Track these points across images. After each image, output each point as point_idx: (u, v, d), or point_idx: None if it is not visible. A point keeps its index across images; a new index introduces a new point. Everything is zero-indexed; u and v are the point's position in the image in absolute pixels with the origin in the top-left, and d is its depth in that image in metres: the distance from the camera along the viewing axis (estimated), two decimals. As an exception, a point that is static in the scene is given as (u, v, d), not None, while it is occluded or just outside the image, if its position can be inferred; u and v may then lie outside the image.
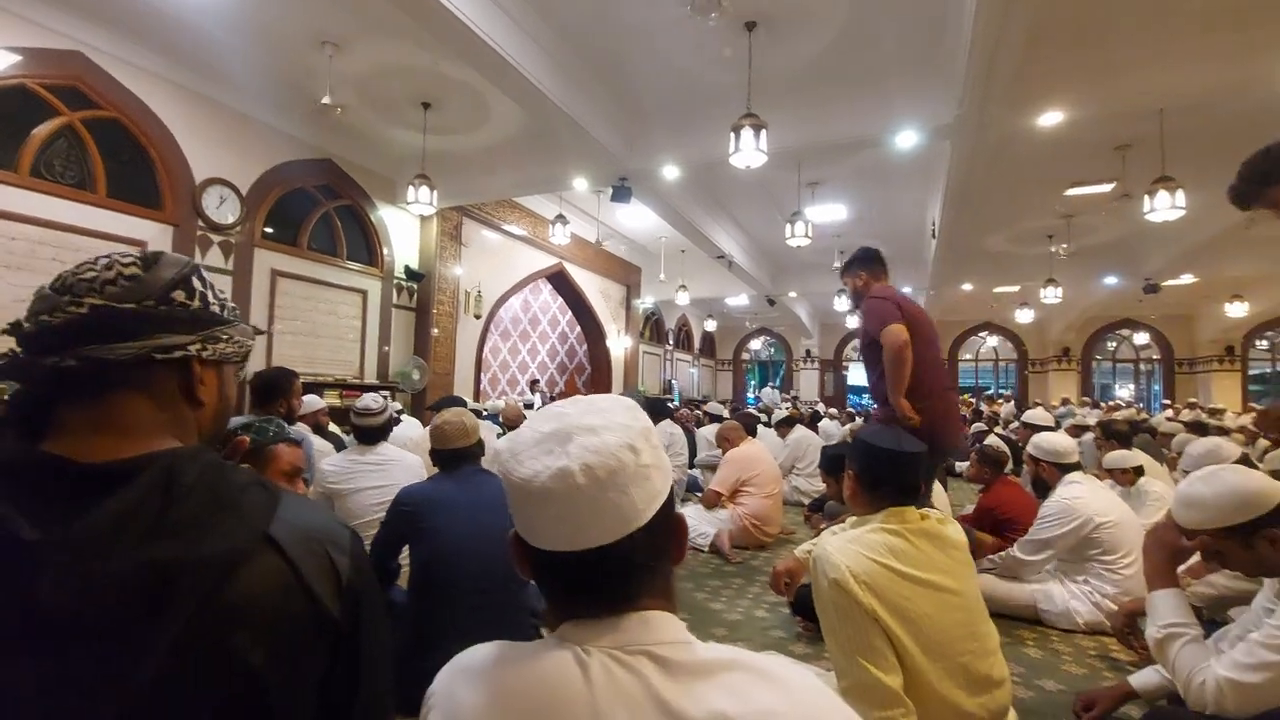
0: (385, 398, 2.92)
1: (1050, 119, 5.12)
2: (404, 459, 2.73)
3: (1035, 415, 4.91)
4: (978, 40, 3.80)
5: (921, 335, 2.73)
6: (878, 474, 1.61)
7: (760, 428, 5.99)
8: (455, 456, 2.00)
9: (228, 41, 4.92)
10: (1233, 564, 1.54)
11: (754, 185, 7.79)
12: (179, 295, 0.65)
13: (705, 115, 5.66)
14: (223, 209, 5.66)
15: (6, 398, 0.62)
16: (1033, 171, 6.80)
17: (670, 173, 6.29)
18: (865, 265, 2.99)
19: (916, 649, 1.41)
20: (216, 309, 0.69)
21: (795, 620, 2.69)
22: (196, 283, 0.67)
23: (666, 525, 0.65)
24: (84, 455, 0.57)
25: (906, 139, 5.37)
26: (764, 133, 4.47)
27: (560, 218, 7.79)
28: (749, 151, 4.48)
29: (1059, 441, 2.98)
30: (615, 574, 0.62)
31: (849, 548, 1.46)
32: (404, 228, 7.58)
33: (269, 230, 6.16)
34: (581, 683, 0.57)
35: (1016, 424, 7.63)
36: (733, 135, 4.50)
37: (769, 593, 2.06)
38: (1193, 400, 11.75)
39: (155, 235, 5.24)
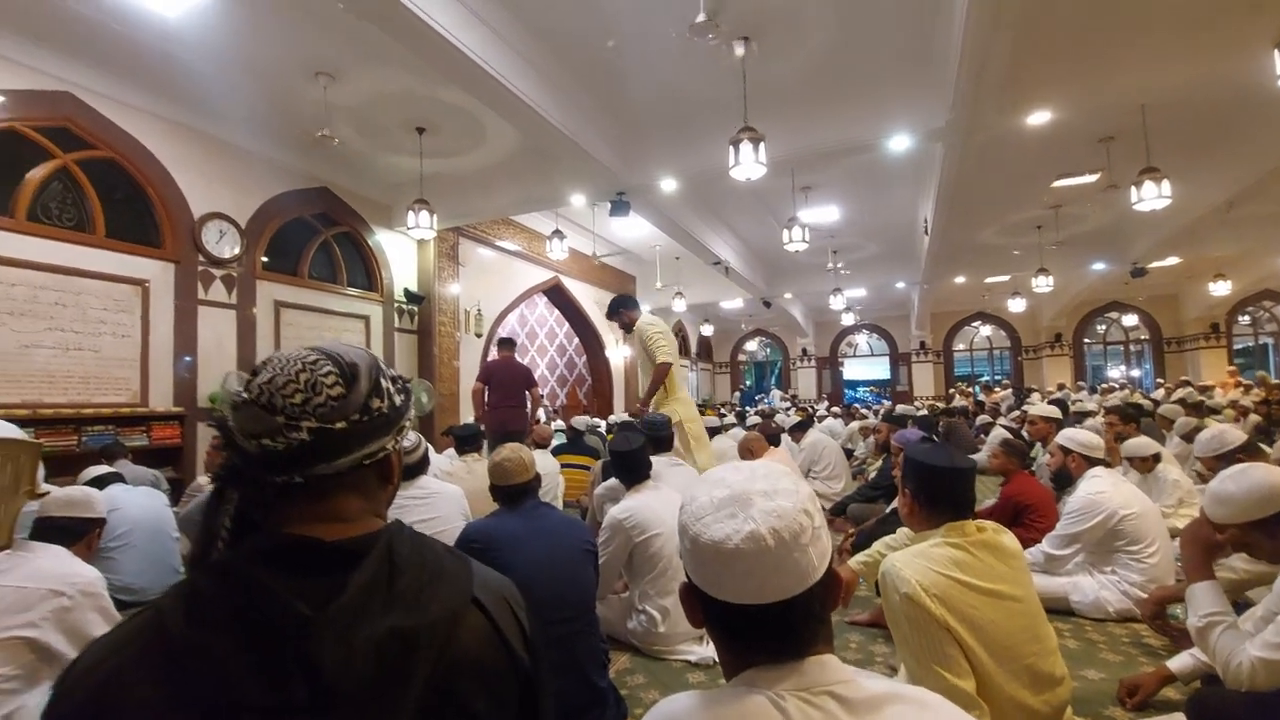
0: (419, 435, 2.97)
1: (1038, 118, 5.25)
2: (445, 490, 2.76)
3: (1042, 408, 5.01)
4: (968, 47, 3.89)
5: (497, 378, 5.64)
6: (933, 492, 1.65)
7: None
8: (517, 492, 2.04)
9: (220, 76, 4.90)
10: (1259, 553, 1.71)
11: (748, 193, 7.87)
12: (376, 403, 0.69)
13: (702, 127, 5.70)
14: (222, 243, 5.66)
15: (220, 473, 0.66)
16: (1021, 167, 6.93)
17: (668, 185, 6.35)
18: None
19: (985, 654, 1.47)
20: (399, 398, 0.73)
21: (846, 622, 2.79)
22: (384, 382, 0.71)
23: (833, 578, 0.74)
24: (322, 536, 0.64)
25: (899, 143, 5.47)
26: (762, 145, 4.53)
27: (557, 233, 7.79)
28: (748, 164, 4.52)
29: (1091, 436, 3.11)
30: (798, 623, 0.71)
31: (916, 562, 1.51)
32: (401, 251, 7.58)
33: (268, 260, 6.15)
34: None
35: (1016, 411, 7.78)
36: (731, 149, 4.55)
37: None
38: (1185, 379, 11.94)
39: (157, 273, 5.23)
